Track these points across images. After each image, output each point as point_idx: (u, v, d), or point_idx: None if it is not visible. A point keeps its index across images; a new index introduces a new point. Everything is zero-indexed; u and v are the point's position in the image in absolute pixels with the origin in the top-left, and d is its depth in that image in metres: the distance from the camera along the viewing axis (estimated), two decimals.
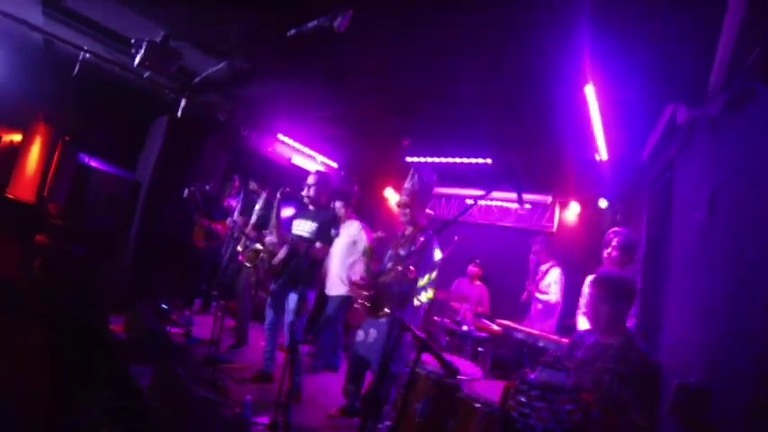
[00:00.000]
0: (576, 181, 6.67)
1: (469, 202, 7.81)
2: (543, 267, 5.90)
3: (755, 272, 1.88)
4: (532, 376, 1.94)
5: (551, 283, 5.68)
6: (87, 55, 5.53)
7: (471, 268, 6.80)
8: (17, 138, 11.12)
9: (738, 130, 2.64)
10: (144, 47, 4.69)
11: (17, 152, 10.80)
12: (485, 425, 2.20)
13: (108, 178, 7.84)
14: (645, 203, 5.52)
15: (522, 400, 1.77)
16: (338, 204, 5.44)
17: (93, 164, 8.04)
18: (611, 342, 2.44)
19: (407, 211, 3.97)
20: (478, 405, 2.27)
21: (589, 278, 4.05)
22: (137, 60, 4.79)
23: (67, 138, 10.79)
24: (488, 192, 3.34)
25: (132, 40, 4.83)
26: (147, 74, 5.10)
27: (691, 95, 3.41)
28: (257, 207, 5.07)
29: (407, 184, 4.04)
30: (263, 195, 4.77)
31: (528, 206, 7.47)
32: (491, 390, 2.40)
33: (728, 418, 1.79)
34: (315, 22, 3.58)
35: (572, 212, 7.08)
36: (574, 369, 2.43)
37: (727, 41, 2.71)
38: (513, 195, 6.98)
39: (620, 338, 2.43)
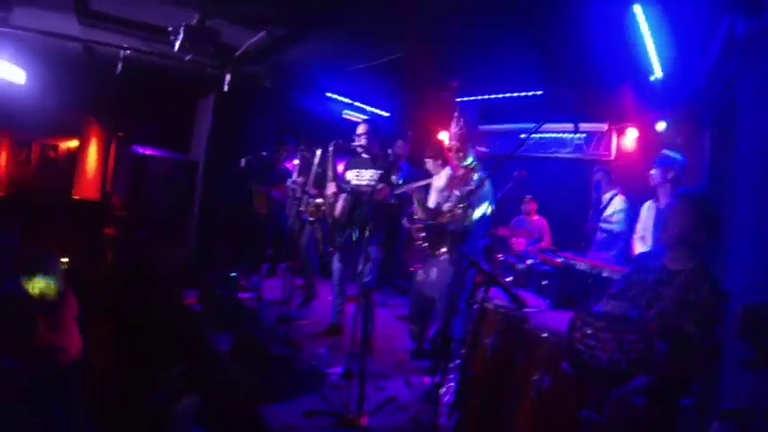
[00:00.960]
0: (631, 106, 6.41)
1: (523, 136, 7.67)
2: (606, 196, 5.72)
3: None
4: (598, 308, 1.98)
5: (615, 212, 5.56)
6: (127, 52, 5.75)
7: (525, 205, 6.78)
8: (74, 144, 11.75)
9: None
10: (182, 32, 4.80)
11: (76, 156, 11.44)
12: (552, 355, 2.26)
13: (164, 163, 8.23)
14: (707, 125, 5.30)
15: (588, 331, 1.81)
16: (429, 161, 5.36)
17: (148, 152, 8.40)
18: (680, 267, 2.32)
19: (460, 153, 4.06)
20: (546, 335, 2.34)
21: (646, 204, 4.26)
22: (176, 46, 4.92)
23: (121, 134, 11.32)
24: (540, 125, 3.35)
25: (169, 28, 4.94)
26: (188, 57, 5.22)
27: (750, 6, 3.20)
28: (314, 164, 5.16)
29: (454, 128, 4.11)
30: (318, 152, 4.85)
31: (583, 135, 7.28)
32: (558, 320, 2.42)
33: None
34: None
35: (630, 139, 6.82)
36: (637, 294, 2.41)
37: None
38: (569, 125, 6.99)
39: (690, 265, 2.30)
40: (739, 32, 3.39)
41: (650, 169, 4.20)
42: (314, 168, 5.12)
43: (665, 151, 4.14)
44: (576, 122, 3.02)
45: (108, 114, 10.43)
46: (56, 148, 12.00)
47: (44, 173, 11.61)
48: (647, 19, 4.01)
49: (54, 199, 10.15)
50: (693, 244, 2.31)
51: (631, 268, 2.67)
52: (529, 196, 6.74)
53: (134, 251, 7.17)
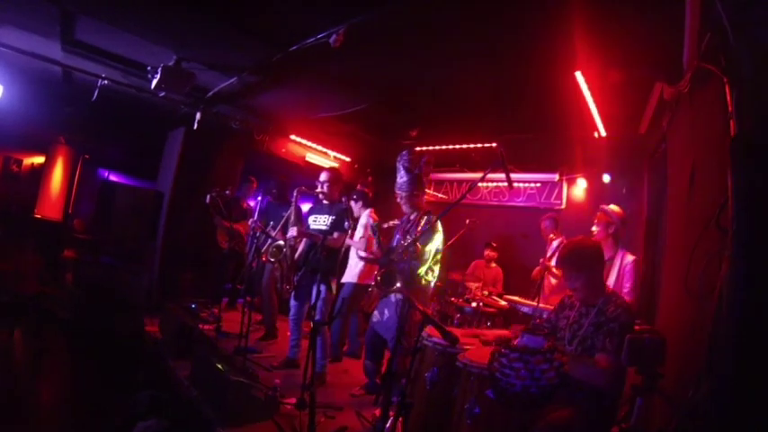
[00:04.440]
0: (580, 158, 6.86)
1: (481, 185, 8.03)
2: (554, 244, 5.91)
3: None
4: (516, 341, 2.24)
5: None
6: (105, 81, 5.95)
7: (488, 252, 7.05)
8: (39, 160, 11.62)
9: (704, 107, 2.88)
10: (159, 72, 5.08)
11: (41, 174, 11.31)
12: (479, 386, 2.50)
13: (130, 191, 8.34)
14: (645, 176, 5.74)
15: (504, 361, 2.06)
16: (353, 203, 5.72)
17: (114, 178, 8.48)
18: (593, 302, 2.67)
19: (405, 198, 4.29)
20: (474, 368, 2.57)
21: None
22: (153, 84, 5.19)
23: (87, 156, 11.28)
24: (483, 177, 3.54)
25: (148, 67, 5.22)
26: (163, 94, 5.46)
27: (674, 75, 3.62)
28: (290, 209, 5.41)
29: (397, 179, 4.33)
30: (292, 205, 5.13)
31: (537, 184, 7.69)
32: (486, 356, 2.65)
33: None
34: (312, 39, 3.89)
35: (579, 189, 7.25)
36: (564, 329, 2.75)
37: (691, 26, 2.94)
38: (523, 175, 7.39)
39: (602, 298, 2.66)
40: (667, 95, 3.84)
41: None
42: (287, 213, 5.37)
43: (603, 207, 4.31)
44: (508, 178, 3.26)
45: (77, 136, 10.38)
46: (20, 162, 11.82)
47: (6, 186, 11.39)
48: (587, 84, 4.42)
49: (14, 214, 9.99)
50: (588, 285, 2.69)
51: (557, 307, 2.99)
52: (494, 244, 7.04)
53: (95, 275, 7.17)
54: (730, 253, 1.78)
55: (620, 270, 3.92)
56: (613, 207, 4.28)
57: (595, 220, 4.23)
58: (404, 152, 4.31)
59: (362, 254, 5.00)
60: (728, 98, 2.09)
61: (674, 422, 1.89)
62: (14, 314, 5.82)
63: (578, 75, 4.29)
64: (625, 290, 3.82)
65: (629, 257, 3.94)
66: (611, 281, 3.85)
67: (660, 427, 2.07)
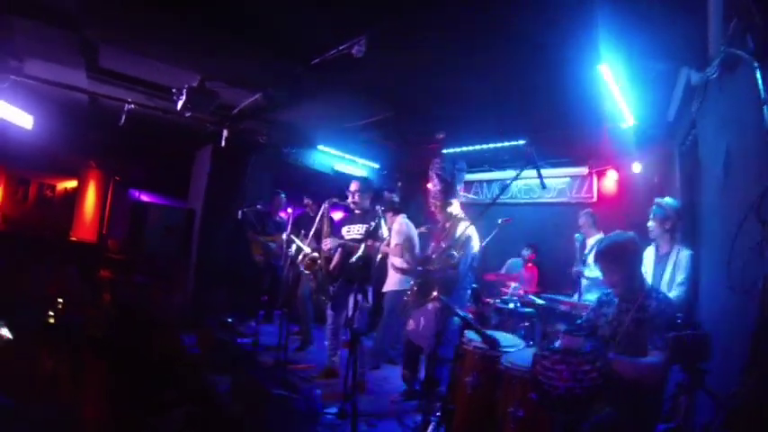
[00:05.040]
0: (609, 149, 6.75)
1: (508, 181, 7.95)
2: (591, 241, 5.83)
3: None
4: (557, 343, 2.22)
5: None
6: (131, 106, 6.11)
7: (526, 252, 7.05)
8: (72, 184, 11.98)
9: (735, 92, 2.81)
10: (185, 93, 5.19)
11: (74, 198, 11.66)
12: (523, 388, 2.48)
13: (163, 211, 8.53)
14: (676, 164, 5.61)
15: (546, 364, 2.05)
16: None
17: (145, 198, 8.69)
18: (633, 297, 2.64)
19: (439, 207, 4.25)
20: (517, 372, 2.56)
21: (648, 250, 4.02)
22: (179, 105, 5.30)
23: (118, 178, 11.58)
24: (516, 177, 3.50)
25: (173, 89, 5.34)
26: (188, 114, 5.57)
27: (701, 60, 3.55)
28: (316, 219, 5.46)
29: (430, 185, 4.32)
30: (323, 207, 5.17)
31: (567, 179, 7.60)
32: (528, 358, 2.60)
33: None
34: (334, 51, 3.93)
35: (610, 180, 7.15)
36: (603, 327, 2.72)
37: (715, 10, 2.88)
38: (552, 170, 7.31)
39: (642, 293, 2.63)
40: (694, 81, 3.76)
41: (638, 211, 4.33)
42: (315, 223, 5.41)
43: (658, 200, 4.13)
44: (539, 175, 3.22)
45: (107, 159, 10.69)
46: (53, 187, 12.20)
47: (41, 211, 11.74)
48: (614, 75, 4.36)
49: (50, 238, 10.29)
50: (633, 278, 2.65)
51: (595, 305, 2.95)
52: (533, 246, 7.05)
53: (130, 294, 7.33)
54: None
55: (675, 265, 3.81)
56: (669, 200, 4.12)
57: (651, 215, 4.07)
58: (436, 160, 4.27)
59: (398, 264, 4.97)
60: (760, 82, 2.03)
61: (719, 418, 1.85)
62: (57, 337, 5.98)
63: (603, 67, 4.23)
64: (676, 282, 3.70)
65: (686, 251, 3.79)
66: (666, 277, 3.75)
67: (706, 424, 2.02)
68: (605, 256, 2.73)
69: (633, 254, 2.73)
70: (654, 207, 4.09)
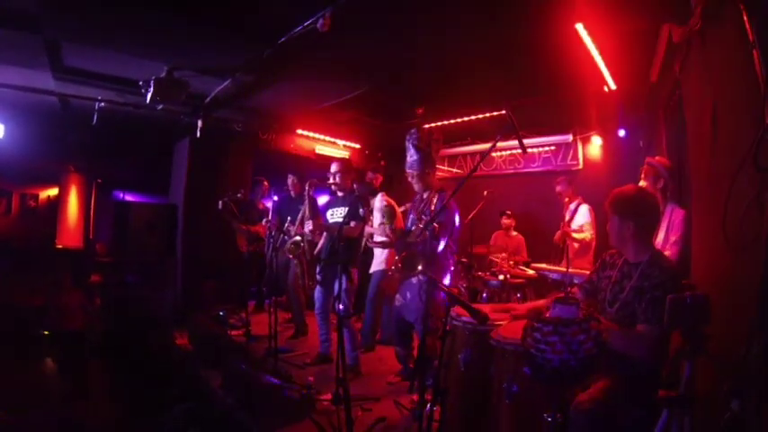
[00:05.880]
0: (592, 116, 6.67)
1: (495, 154, 7.87)
2: (572, 206, 5.87)
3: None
4: (548, 313, 2.12)
5: (583, 223, 5.70)
6: (102, 104, 5.95)
7: (504, 220, 6.94)
8: (54, 192, 11.78)
9: (720, 42, 2.70)
10: (152, 85, 5.04)
11: (57, 205, 11.49)
12: (515, 364, 2.39)
13: (144, 208, 8.42)
14: (662, 126, 5.52)
15: (537, 336, 1.95)
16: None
17: (129, 198, 8.55)
18: (638, 260, 2.53)
19: (416, 177, 4.20)
20: (508, 345, 2.47)
21: None
22: (148, 98, 5.15)
23: (99, 180, 11.39)
24: (493, 145, 3.40)
25: (140, 82, 5.17)
26: (160, 106, 5.41)
27: (682, 13, 3.44)
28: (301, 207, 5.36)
29: (407, 158, 4.24)
30: (306, 199, 5.08)
31: (551, 147, 7.50)
32: (520, 331, 2.54)
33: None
34: (300, 28, 3.77)
35: (595, 147, 7.04)
36: (605, 290, 2.64)
37: None
38: (536, 140, 7.21)
39: (646, 256, 2.51)
40: (676, 37, 3.64)
41: (626, 176, 4.25)
42: (301, 210, 5.31)
43: (649, 159, 4.07)
44: (519, 139, 3.10)
45: (86, 162, 10.57)
46: (36, 197, 12.03)
47: (26, 222, 11.58)
48: (591, 36, 4.22)
49: (37, 247, 10.17)
50: (636, 237, 2.54)
51: (597, 267, 2.87)
52: (508, 212, 6.89)
53: (121, 295, 7.24)
54: None
55: (669, 224, 3.77)
56: (660, 159, 4.08)
57: (642, 175, 4.01)
58: (412, 130, 4.20)
59: (378, 238, 4.88)
60: (748, 26, 1.92)
61: (725, 384, 1.76)
62: (53, 346, 5.87)
63: (580, 27, 4.09)
64: (670, 241, 3.65)
65: (680, 210, 3.77)
66: (660, 237, 3.69)
67: (711, 390, 1.94)
68: (626, 200, 2.59)
69: (649, 209, 2.62)
70: (645, 166, 4.04)
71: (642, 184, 3.99)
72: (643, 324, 2.32)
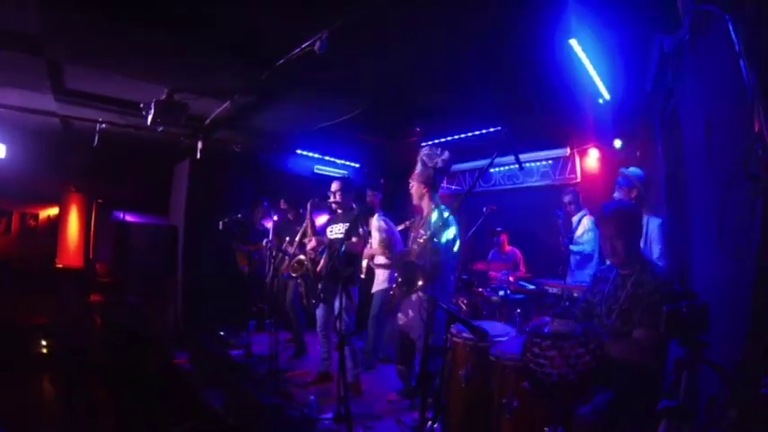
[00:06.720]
0: (588, 128, 6.69)
1: (493, 170, 7.90)
2: (575, 218, 5.85)
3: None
4: (546, 329, 2.12)
5: (584, 232, 5.68)
6: (103, 125, 6.02)
7: (497, 237, 6.94)
8: (54, 211, 11.79)
9: (709, 51, 2.72)
10: (153, 107, 5.10)
11: (57, 224, 11.49)
12: (515, 379, 2.38)
13: (144, 228, 8.42)
14: (658, 135, 5.54)
15: (536, 351, 1.95)
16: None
17: (129, 218, 8.55)
18: (629, 271, 2.57)
19: (415, 190, 4.19)
20: (508, 361, 2.46)
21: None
22: (149, 120, 5.21)
23: (100, 200, 11.40)
24: (491, 162, 3.44)
25: (141, 104, 5.23)
26: (160, 128, 5.45)
27: (672, 24, 3.47)
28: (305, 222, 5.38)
29: (414, 173, 4.24)
30: (307, 218, 5.11)
31: (549, 162, 7.52)
32: (520, 346, 2.54)
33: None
34: (298, 50, 3.82)
35: (592, 159, 7.06)
36: (600, 304, 2.64)
37: None
38: (534, 154, 7.24)
39: (638, 266, 2.55)
40: (668, 47, 3.68)
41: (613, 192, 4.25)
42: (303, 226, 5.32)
43: (623, 170, 4.17)
44: (517, 156, 3.13)
45: (87, 182, 10.56)
46: (36, 216, 12.02)
47: (25, 241, 11.57)
48: (584, 49, 4.27)
49: (37, 267, 10.15)
50: (628, 248, 2.56)
51: (591, 283, 2.88)
52: (499, 229, 6.86)
53: (121, 316, 7.21)
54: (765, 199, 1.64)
55: (648, 234, 3.77)
56: (634, 170, 4.14)
57: (616, 186, 4.07)
58: (424, 147, 4.24)
59: (379, 260, 4.90)
60: (734, 36, 1.94)
61: (726, 390, 1.75)
62: (54, 366, 5.85)
63: (573, 42, 4.14)
64: (656, 254, 3.68)
65: (656, 220, 3.80)
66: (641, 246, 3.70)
67: (712, 397, 1.92)
68: (615, 218, 2.61)
69: (638, 220, 2.68)
70: (619, 178, 4.13)
71: (616, 195, 4.08)
72: (640, 328, 2.32)
